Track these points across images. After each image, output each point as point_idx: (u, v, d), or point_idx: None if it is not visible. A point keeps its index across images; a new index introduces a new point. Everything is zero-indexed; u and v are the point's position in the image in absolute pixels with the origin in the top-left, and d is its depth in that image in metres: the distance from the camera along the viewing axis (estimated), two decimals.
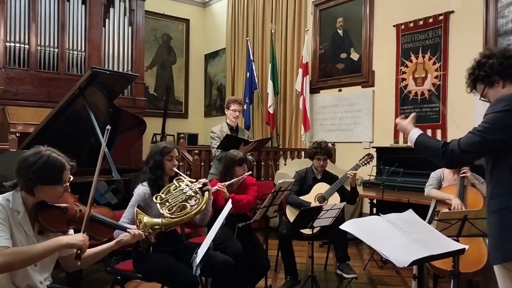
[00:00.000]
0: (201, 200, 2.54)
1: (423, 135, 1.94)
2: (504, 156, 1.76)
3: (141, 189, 2.65)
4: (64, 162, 1.81)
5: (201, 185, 2.62)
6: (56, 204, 1.86)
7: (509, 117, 1.70)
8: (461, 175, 3.23)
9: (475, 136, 1.75)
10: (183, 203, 2.48)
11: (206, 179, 2.81)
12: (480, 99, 1.93)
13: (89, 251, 1.99)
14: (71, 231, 1.94)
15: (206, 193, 2.61)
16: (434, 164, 3.52)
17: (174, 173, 2.74)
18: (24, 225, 1.78)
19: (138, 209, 2.39)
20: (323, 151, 3.77)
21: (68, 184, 1.85)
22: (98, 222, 1.97)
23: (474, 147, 1.76)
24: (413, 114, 2.08)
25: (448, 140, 1.90)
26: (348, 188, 3.80)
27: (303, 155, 6.57)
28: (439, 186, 3.40)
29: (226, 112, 4.46)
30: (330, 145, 4.05)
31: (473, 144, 1.75)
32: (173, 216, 2.41)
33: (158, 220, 2.37)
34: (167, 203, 2.47)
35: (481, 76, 1.85)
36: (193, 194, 2.53)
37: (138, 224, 2.35)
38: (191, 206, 2.48)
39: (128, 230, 2.05)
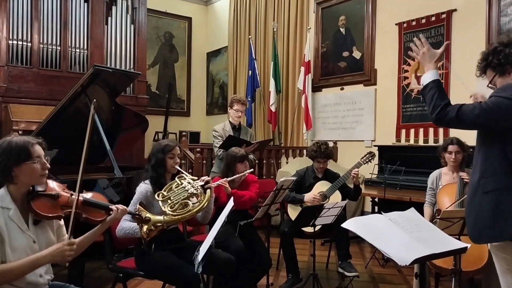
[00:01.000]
0: (203, 197, 2.55)
1: (437, 82, 1.89)
2: (500, 138, 1.78)
3: (143, 187, 2.66)
4: (28, 140, 1.83)
5: (203, 183, 2.63)
6: (46, 192, 1.87)
7: None
8: (462, 177, 3.22)
9: (476, 110, 1.76)
10: (185, 201, 2.48)
11: (208, 177, 2.82)
12: (488, 85, 1.93)
13: (78, 240, 2.01)
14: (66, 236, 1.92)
15: (208, 190, 2.63)
16: (436, 163, 3.57)
17: (176, 171, 2.74)
18: (17, 221, 1.78)
19: (140, 207, 2.40)
20: (323, 155, 3.73)
21: (45, 161, 1.84)
22: (90, 205, 1.99)
23: (470, 118, 1.76)
24: (446, 43, 2.02)
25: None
26: (350, 185, 3.80)
27: (304, 154, 6.56)
28: (436, 188, 3.40)
29: (229, 111, 4.45)
30: (331, 144, 4.04)
31: (470, 115, 1.76)
32: (175, 213, 2.42)
33: (160, 218, 2.38)
34: (169, 201, 2.48)
35: (494, 63, 1.85)
36: (195, 192, 2.54)
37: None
38: (193, 203, 2.49)
39: (110, 206, 2.05)
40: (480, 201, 1.81)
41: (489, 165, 1.81)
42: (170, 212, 2.41)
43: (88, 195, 2.05)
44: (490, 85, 1.91)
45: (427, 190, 3.49)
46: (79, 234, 2.02)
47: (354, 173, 3.61)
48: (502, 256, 1.82)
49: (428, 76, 1.91)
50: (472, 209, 1.86)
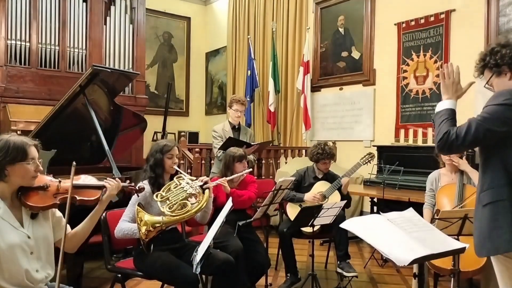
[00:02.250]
0: (201, 198, 2.54)
1: (451, 110, 1.87)
2: (498, 149, 1.78)
3: None
4: (26, 141, 1.85)
5: (201, 183, 2.63)
6: (35, 185, 1.88)
7: (509, 110, 1.71)
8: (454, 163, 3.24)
9: (473, 124, 1.75)
10: (184, 201, 2.48)
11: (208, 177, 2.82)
12: (485, 86, 1.92)
13: (79, 227, 2.04)
14: None
15: (207, 191, 2.62)
16: (435, 163, 3.57)
17: (174, 171, 2.74)
18: (8, 219, 1.79)
19: (139, 208, 2.40)
20: (329, 156, 3.76)
21: (38, 163, 1.86)
22: (81, 187, 2.01)
23: (469, 135, 1.74)
24: (470, 83, 1.93)
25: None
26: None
27: (304, 154, 6.56)
28: (436, 189, 3.40)
29: (228, 111, 4.45)
30: (331, 143, 4.05)
31: (468, 131, 1.74)
32: (173, 214, 2.42)
33: (159, 218, 2.38)
34: (167, 201, 2.48)
35: (491, 64, 1.85)
36: (193, 192, 2.54)
37: (139, 222, 2.36)
38: (191, 204, 2.49)
39: (104, 184, 2.06)
40: (480, 214, 1.82)
41: (487, 178, 1.81)
42: (169, 213, 2.41)
43: (78, 180, 2.06)
44: (487, 85, 1.91)
45: (426, 192, 3.48)
46: (78, 222, 2.05)
47: (344, 181, 3.62)
48: (502, 258, 1.81)
49: (445, 104, 1.90)
50: (475, 223, 1.86)
